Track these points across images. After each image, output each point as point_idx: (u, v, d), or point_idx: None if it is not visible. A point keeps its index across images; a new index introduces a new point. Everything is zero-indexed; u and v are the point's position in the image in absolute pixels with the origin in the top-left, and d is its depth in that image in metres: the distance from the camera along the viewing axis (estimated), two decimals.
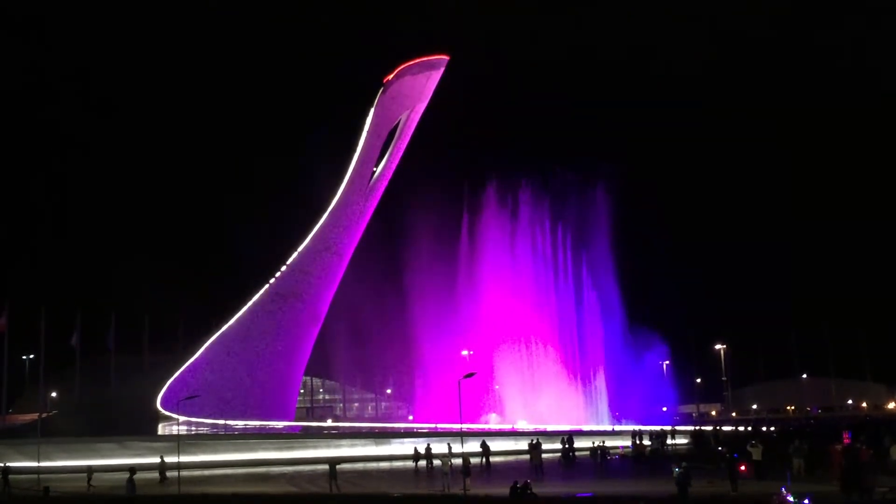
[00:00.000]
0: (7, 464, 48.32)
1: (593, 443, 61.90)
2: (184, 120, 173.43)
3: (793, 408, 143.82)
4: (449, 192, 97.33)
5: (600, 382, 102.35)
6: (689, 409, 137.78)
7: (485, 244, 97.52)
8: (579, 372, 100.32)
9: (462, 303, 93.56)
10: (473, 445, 59.73)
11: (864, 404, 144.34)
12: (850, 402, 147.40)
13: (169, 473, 49.86)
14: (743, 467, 40.03)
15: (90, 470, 46.85)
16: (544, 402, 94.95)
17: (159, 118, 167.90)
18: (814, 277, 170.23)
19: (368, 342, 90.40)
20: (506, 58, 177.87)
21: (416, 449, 59.39)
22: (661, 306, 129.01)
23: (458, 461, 42.79)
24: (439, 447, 58.16)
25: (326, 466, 43.04)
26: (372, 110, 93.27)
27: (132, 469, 43.07)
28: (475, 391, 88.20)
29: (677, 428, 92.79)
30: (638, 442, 68.13)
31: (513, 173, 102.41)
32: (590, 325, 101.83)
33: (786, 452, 44.06)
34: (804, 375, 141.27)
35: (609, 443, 66.02)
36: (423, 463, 56.95)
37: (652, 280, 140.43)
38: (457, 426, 40.65)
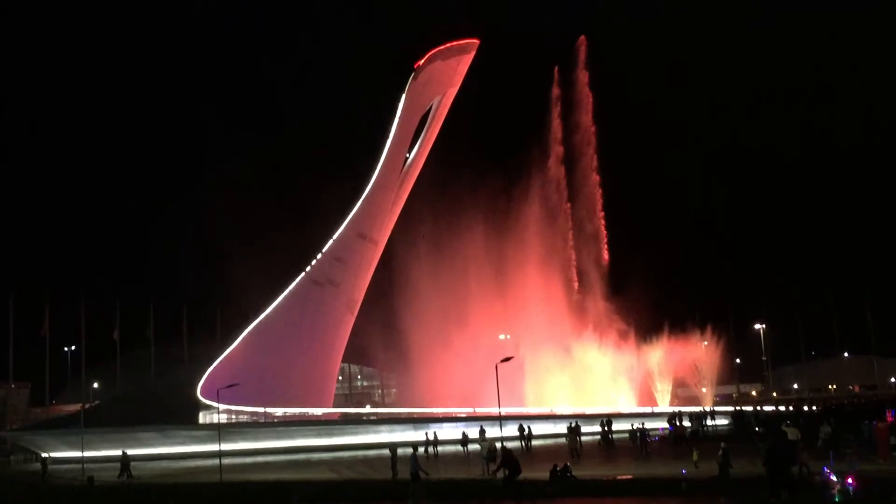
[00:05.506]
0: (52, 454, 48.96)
1: (632, 425, 61.62)
2: (211, 107, 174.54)
3: (834, 386, 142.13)
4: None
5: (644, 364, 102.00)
6: (729, 389, 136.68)
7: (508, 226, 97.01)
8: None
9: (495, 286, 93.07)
10: (511, 429, 59.78)
11: None
12: (892, 379, 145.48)
13: (210, 462, 50.16)
14: None
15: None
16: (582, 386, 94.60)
17: (185, 103, 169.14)
18: (855, 254, 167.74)
19: (404, 328, 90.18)
20: None
21: (432, 434, 59.56)
22: (697, 285, 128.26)
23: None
24: (473, 432, 58.34)
25: (365, 452, 43.11)
26: (403, 96, 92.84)
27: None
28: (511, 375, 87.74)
29: (717, 409, 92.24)
30: (678, 423, 67.73)
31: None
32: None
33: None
34: (845, 354, 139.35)
35: (648, 424, 65.61)
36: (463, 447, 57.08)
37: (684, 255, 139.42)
38: (495, 410, 40.51)
